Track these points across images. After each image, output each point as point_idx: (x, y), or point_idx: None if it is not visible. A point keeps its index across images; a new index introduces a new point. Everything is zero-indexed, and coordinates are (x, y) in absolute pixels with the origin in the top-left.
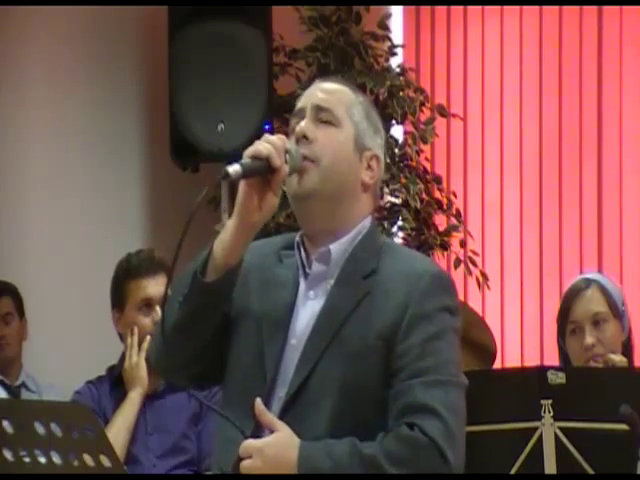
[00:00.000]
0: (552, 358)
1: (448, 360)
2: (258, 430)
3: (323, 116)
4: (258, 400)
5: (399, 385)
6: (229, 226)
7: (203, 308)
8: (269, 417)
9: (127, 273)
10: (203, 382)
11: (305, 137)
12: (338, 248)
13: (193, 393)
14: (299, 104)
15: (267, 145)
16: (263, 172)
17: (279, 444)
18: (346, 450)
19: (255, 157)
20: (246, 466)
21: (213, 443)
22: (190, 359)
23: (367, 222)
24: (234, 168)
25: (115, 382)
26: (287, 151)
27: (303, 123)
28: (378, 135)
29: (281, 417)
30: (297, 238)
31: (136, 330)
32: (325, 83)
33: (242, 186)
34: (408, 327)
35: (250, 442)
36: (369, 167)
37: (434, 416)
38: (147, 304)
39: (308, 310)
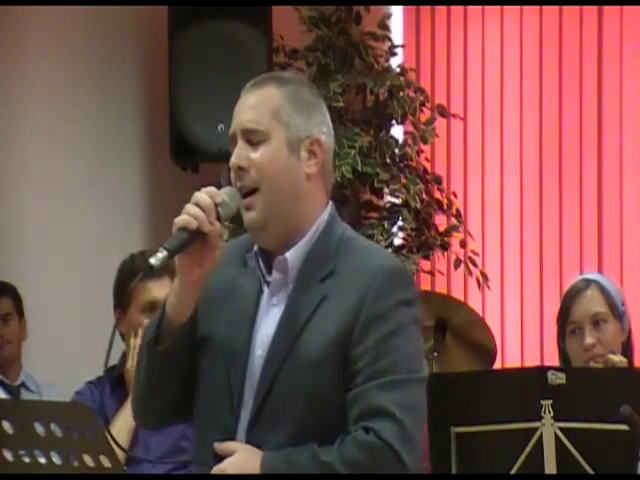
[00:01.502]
0: (552, 358)
1: (406, 357)
2: (222, 460)
3: (253, 138)
4: (215, 444)
5: (355, 389)
6: (175, 287)
7: (165, 371)
8: (227, 446)
9: (132, 274)
10: (186, 418)
11: (240, 168)
12: (295, 255)
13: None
14: (231, 128)
15: (195, 211)
16: (194, 240)
17: (242, 461)
18: (306, 457)
19: (184, 229)
20: None
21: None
22: (165, 411)
23: (325, 215)
24: (157, 257)
25: (116, 383)
26: (219, 204)
27: (233, 156)
28: (313, 115)
29: (249, 428)
30: (255, 248)
31: (140, 332)
32: (249, 94)
33: (177, 256)
34: (362, 329)
35: (214, 469)
36: (311, 154)
37: (389, 419)
38: (151, 306)
39: (271, 318)
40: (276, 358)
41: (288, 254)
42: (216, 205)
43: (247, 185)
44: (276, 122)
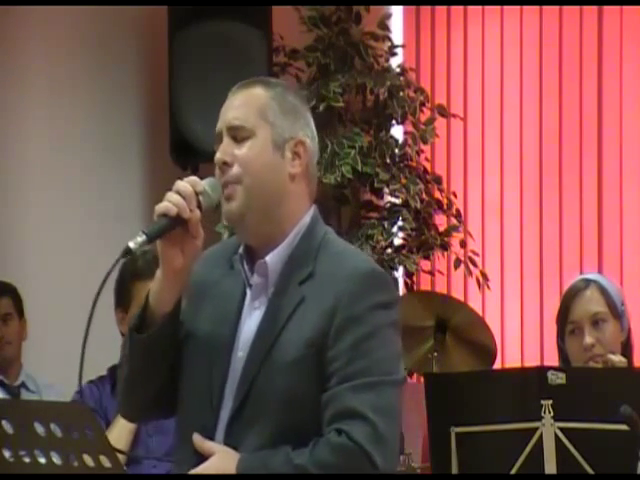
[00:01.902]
0: (552, 358)
1: (381, 359)
2: (201, 458)
3: (238, 135)
4: (195, 435)
5: (329, 391)
6: (157, 276)
7: (147, 361)
8: (207, 445)
9: (133, 274)
10: (170, 413)
11: (225, 163)
12: (275, 258)
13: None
14: (217, 126)
15: (176, 198)
16: (174, 226)
17: (215, 467)
18: (279, 460)
19: (164, 215)
20: None
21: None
22: (149, 403)
23: (307, 218)
24: (136, 241)
25: (117, 382)
26: (200, 193)
27: (218, 151)
28: (299, 118)
29: (228, 429)
30: (240, 250)
31: None
32: (236, 95)
33: (158, 241)
34: (337, 332)
35: (190, 473)
36: (296, 155)
37: (361, 420)
38: None
39: (253, 320)
40: (256, 359)
41: (268, 258)
42: (197, 194)
43: (230, 180)
44: (262, 120)
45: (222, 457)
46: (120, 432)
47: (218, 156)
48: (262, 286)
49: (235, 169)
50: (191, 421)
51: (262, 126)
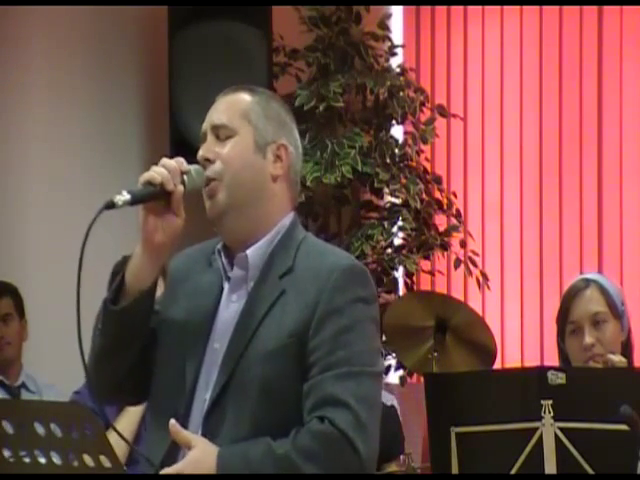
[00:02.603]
0: (552, 358)
1: (361, 351)
2: (175, 448)
3: (221, 133)
4: (172, 421)
5: (311, 380)
6: (136, 252)
7: (119, 335)
8: (183, 435)
9: None
10: (138, 398)
11: (207, 160)
12: (255, 253)
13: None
14: (202, 127)
15: (161, 170)
16: (157, 196)
17: (196, 461)
18: (260, 452)
19: (149, 183)
20: None
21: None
22: (118, 382)
23: (287, 220)
24: (120, 197)
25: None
26: (185, 172)
27: (201, 149)
28: (282, 126)
29: (205, 419)
30: (218, 246)
31: None
32: (222, 99)
33: (141, 211)
34: (319, 323)
35: (166, 470)
36: (277, 158)
37: (344, 408)
38: None
39: (230, 313)
40: (235, 350)
41: (249, 251)
42: (182, 172)
43: (211, 175)
44: (245, 122)
45: (202, 450)
46: (122, 432)
47: (201, 153)
48: (241, 279)
49: (217, 165)
50: (164, 407)
51: (245, 127)
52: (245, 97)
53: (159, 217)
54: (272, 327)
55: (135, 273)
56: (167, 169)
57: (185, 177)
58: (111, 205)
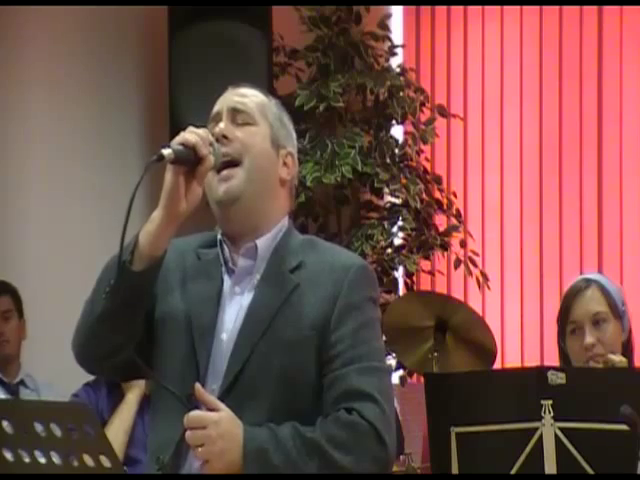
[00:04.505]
0: (552, 358)
1: (377, 348)
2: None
3: (239, 118)
4: (197, 384)
5: (334, 372)
6: (155, 217)
7: (130, 298)
8: (210, 397)
9: None
10: (126, 374)
11: (225, 137)
12: (264, 243)
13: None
14: (215, 108)
15: (194, 135)
16: (191, 160)
17: (230, 421)
18: (289, 432)
19: (183, 145)
20: (199, 436)
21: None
22: (114, 350)
23: (285, 221)
24: (167, 151)
25: (112, 384)
26: (212, 144)
27: (221, 124)
28: (290, 137)
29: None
30: (219, 236)
31: None
32: (238, 88)
33: (169, 175)
34: (339, 317)
35: (205, 414)
36: (285, 164)
37: (371, 401)
38: None
39: (235, 305)
40: (249, 340)
41: (258, 241)
42: (210, 143)
43: (231, 153)
44: (263, 117)
45: (231, 415)
46: (116, 431)
47: (218, 130)
48: (247, 270)
49: (237, 145)
50: (178, 389)
51: (263, 121)
52: (261, 95)
53: (186, 185)
54: (290, 319)
55: (151, 239)
56: (198, 135)
57: (212, 148)
58: (161, 158)
